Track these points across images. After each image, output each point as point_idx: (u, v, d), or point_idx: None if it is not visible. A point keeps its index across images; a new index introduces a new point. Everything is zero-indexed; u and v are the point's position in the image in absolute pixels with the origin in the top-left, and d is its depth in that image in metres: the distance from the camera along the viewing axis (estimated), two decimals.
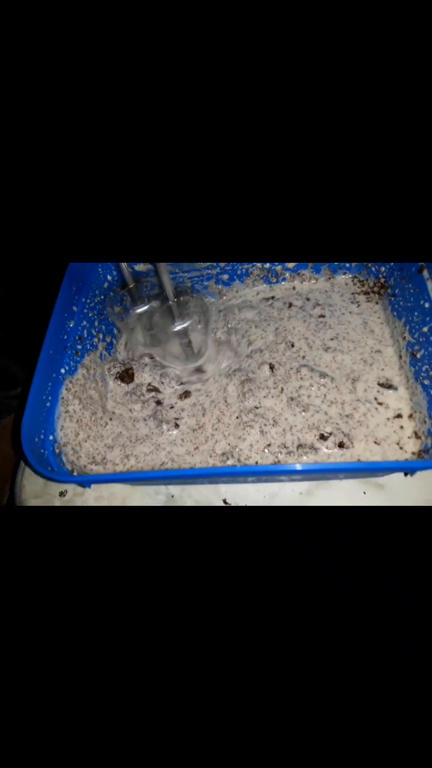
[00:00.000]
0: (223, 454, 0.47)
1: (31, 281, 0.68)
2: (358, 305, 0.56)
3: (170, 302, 0.48)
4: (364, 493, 0.47)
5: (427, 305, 0.43)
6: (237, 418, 0.49)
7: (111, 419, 0.52)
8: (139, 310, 0.55)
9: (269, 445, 0.46)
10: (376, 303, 0.56)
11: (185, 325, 0.50)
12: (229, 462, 0.46)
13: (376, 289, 0.56)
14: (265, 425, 0.47)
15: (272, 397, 0.50)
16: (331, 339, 0.53)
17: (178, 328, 0.50)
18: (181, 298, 0.50)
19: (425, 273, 0.44)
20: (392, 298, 0.52)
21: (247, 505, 0.47)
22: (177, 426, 0.50)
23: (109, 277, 0.59)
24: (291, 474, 0.41)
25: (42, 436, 0.43)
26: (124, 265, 0.52)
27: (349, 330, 0.54)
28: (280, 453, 0.46)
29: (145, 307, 0.55)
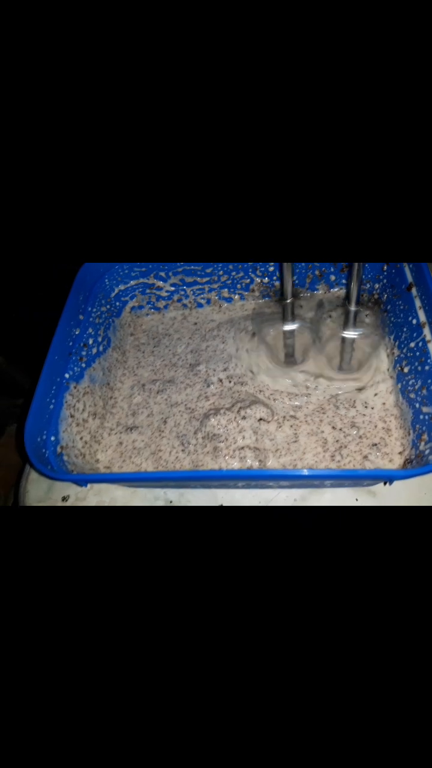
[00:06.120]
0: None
1: (38, 295, 0.71)
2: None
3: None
4: (356, 500, 0.48)
5: (414, 321, 0.45)
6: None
7: (123, 428, 0.54)
8: (290, 327, 0.49)
9: None
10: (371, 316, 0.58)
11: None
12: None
13: (370, 305, 0.58)
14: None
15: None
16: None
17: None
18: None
19: (413, 290, 0.46)
20: (385, 314, 0.54)
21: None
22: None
23: (115, 288, 0.62)
24: (280, 479, 0.42)
25: (44, 437, 0.45)
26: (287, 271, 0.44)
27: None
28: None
29: (296, 325, 0.50)
